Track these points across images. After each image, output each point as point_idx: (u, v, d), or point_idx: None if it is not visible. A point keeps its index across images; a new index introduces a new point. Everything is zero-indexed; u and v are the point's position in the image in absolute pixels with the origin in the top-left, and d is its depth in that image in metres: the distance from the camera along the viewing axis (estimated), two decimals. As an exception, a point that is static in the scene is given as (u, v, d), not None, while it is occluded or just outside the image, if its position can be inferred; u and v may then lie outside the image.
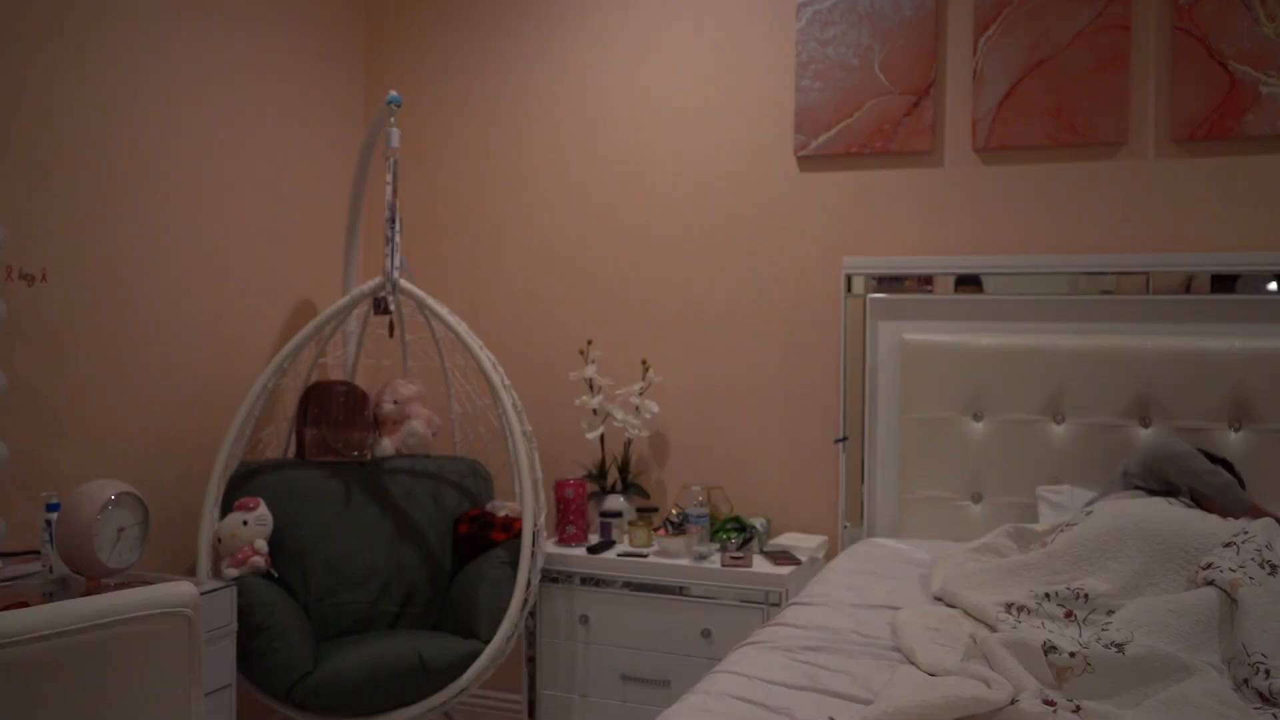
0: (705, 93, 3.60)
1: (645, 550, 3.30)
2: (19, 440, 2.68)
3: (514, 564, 3.09)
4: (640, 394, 3.53)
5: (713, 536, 3.33)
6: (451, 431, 3.73)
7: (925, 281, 3.28)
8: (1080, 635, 2.06)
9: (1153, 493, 2.62)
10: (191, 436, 3.23)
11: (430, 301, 3.27)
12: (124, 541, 2.49)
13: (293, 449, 3.43)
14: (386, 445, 3.42)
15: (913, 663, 1.99)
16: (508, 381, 3.25)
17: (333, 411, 3.31)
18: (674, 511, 3.38)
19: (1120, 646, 1.87)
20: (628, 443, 3.58)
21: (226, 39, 3.36)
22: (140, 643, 1.82)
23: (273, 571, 3.00)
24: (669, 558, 3.23)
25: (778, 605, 3.02)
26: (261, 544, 2.98)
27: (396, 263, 3.18)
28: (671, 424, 3.66)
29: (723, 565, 3.13)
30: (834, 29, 3.41)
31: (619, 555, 3.27)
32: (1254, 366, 2.89)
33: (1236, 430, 2.92)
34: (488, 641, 2.96)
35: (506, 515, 3.29)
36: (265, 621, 2.79)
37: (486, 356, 3.22)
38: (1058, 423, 3.08)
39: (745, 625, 3.01)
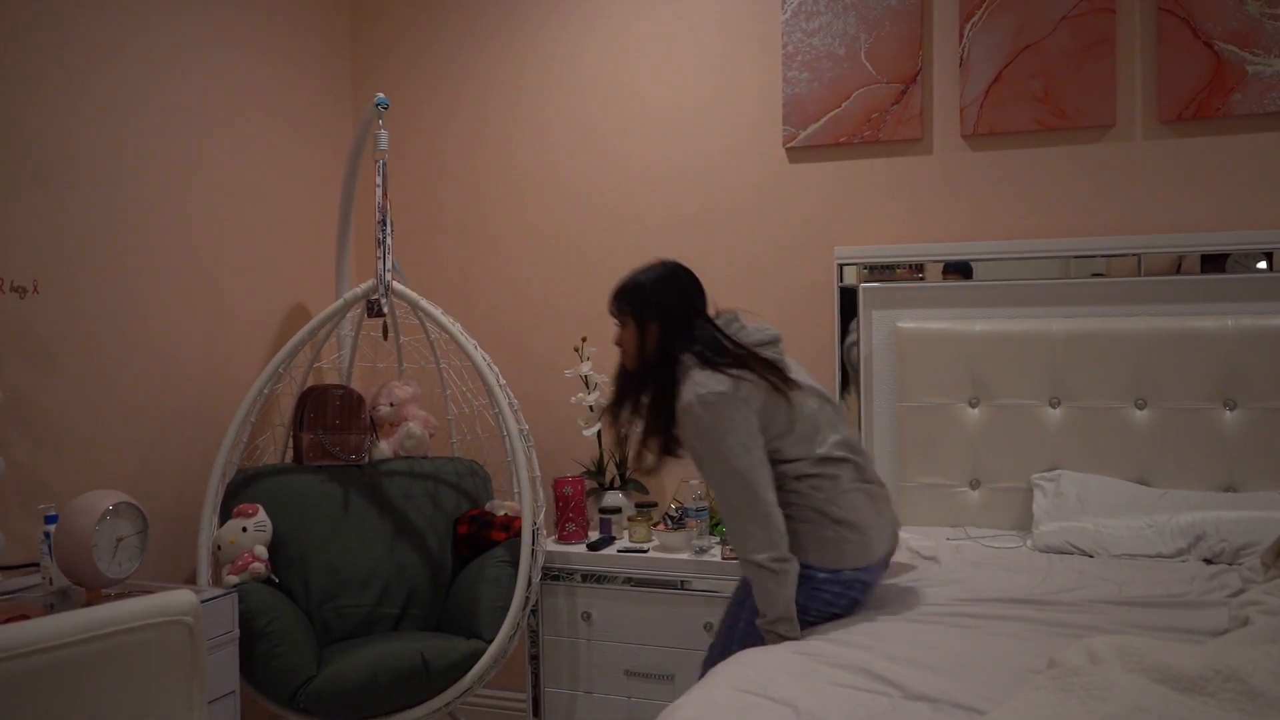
0: (693, 86, 3.60)
1: (645, 546, 3.30)
2: (15, 453, 2.68)
3: (514, 563, 3.09)
4: (636, 390, 3.52)
5: (712, 530, 3.33)
6: (449, 432, 3.73)
7: (917, 269, 3.28)
8: None
9: None
10: (188, 444, 3.23)
11: (424, 303, 3.26)
12: (123, 551, 2.48)
13: (290, 454, 3.42)
14: (384, 448, 3.41)
15: None
16: (503, 381, 3.25)
17: (329, 416, 3.31)
18: (673, 506, 3.38)
19: None
20: (625, 438, 3.58)
21: (213, 47, 3.35)
22: (142, 652, 1.82)
23: (273, 577, 3.00)
24: (669, 553, 3.23)
25: (779, 597, 3.02)
26: (261, 550, 2.98)
27: (388, 265, 3.17)
28: (668, 419, 3.65)
29: (723, 558, 3.14)
30: (820, 19, 3.41)
31: (619, 551, 3.27)
32: (1247, 345, 2.89)
33: (1231, 410, 2.92)
34: (490, 641, 2.96)
35: (506, 514, 3.29)
36: (267, 627, 2.79)
37: (481, 356, 3.21)
38: (1053, 407, 3.08)
39: (747, 617, 3.01)
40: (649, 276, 2.55)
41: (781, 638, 2.27)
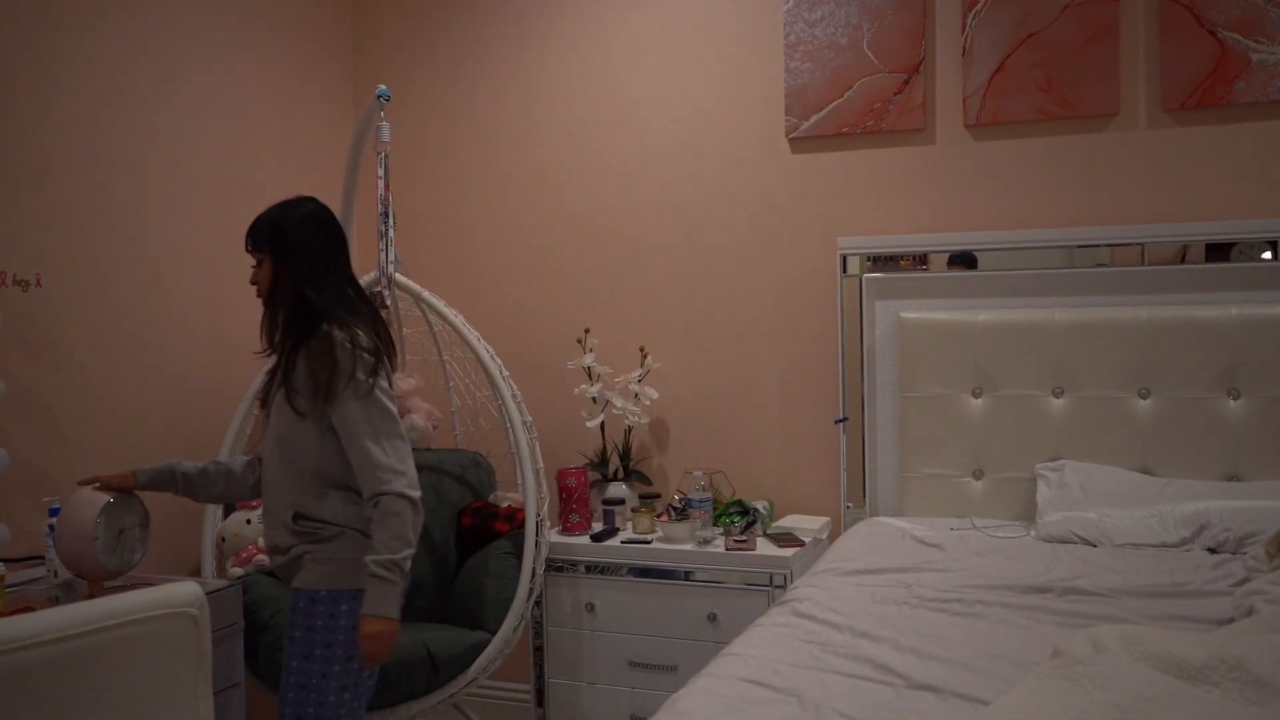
0: (696, 77, 3.59)
1: (649, 536, 3.30)
2: (19, 445, 2.68)
3: (518, 554, 3.10)
4: (639, 381, 3.53)
5: (716, 521, 3.33)
6: (452, 424, 3.73)
7: (920, 260, 3.28)
8: None
9: None
10: (191, 436, 3.23)
11: (426, 295, 3.26)
12: (125, 543, 2.48)
13: (293, 446, 3.42)
14: (387, 440, 3.41)
15: None
16: (506, 372, 3.24)
17: (332, 408, 3.30)
18: (676, 497, 3.39)
19: None
20: (628, 430, 3.58)
21: (214, 42, 3.35)
22: (147, 644, 1.82)
23: (277, 569, 3.00)
24: (673, 543, 3.23)
25: (783, 587, 3.02)
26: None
27: (391, 257, 3.17)
28: (671, 410, 3.66)
29: (727, 549, 3.14)
30: (822, 9, 3.39)
31: (623, 542, 3.27)
32: (1251, 334, 2.89)
33: (1235, 399, 2.92)
34: (494, 632, 2.97)
35: (509, 506, 3.29)
36: (272, 619, 2.79)
37: (484, 348, 3.21)
38: (1057, 397, 3.08)
39: (751, 608, 3.02)
40: (294, 214, 2.37)
41: (400, 576, 2.22)
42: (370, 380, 2.26)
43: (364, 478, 2.24)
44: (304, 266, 2.33)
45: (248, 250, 2.37)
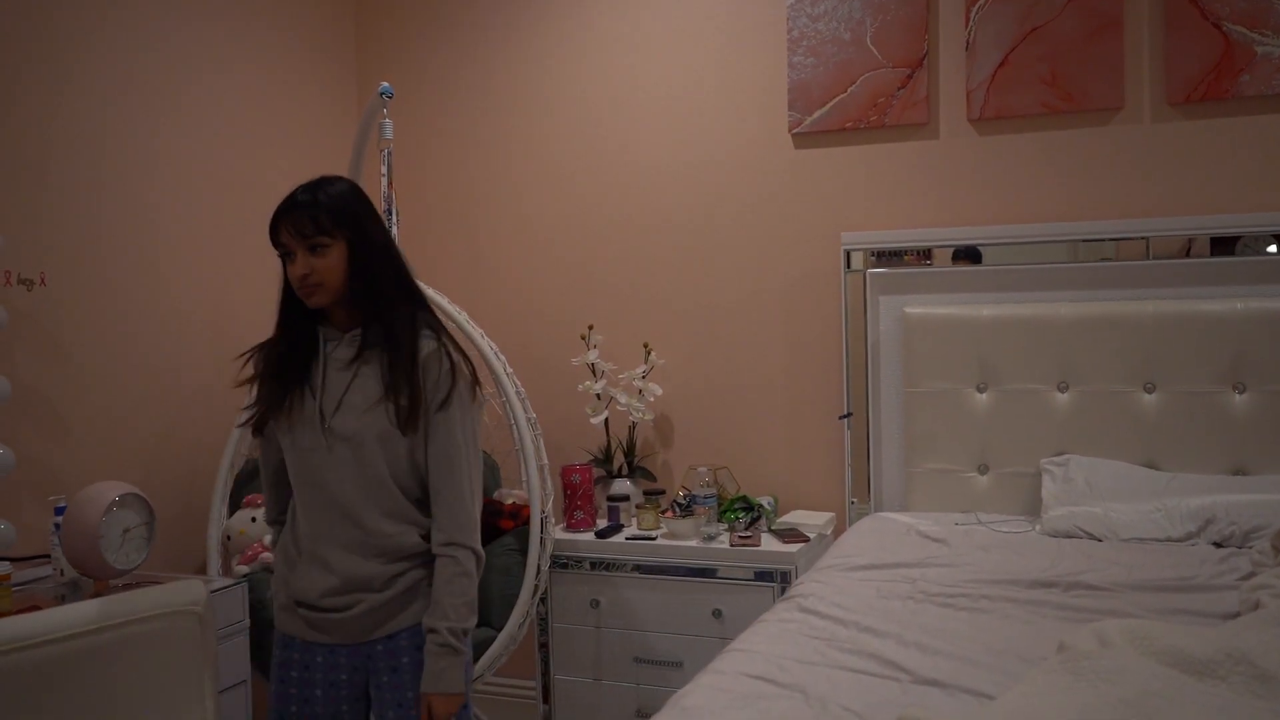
0: (698, 73, 3.59)
1: (653, 533, 3.30)
2: (25, 444, 2.68)
3: (523, 551, 3.10)
4: (643, 377, 3.53)
5: (720, 517, 3.33)
6: (456, 421, 3.72)
7: (924, 255, 3.27)
8: None
9: None
10: (196, 435, 3.23)
11: (430, 292, 3.25)
12: (130, 542, 2.49)
13: (298, 444, 3.42)
14: (391, 437, 3.41)
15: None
16: (510, 369, 3.24)
17: (336, 405, 3.31)
18: (681, 493, 3.39)
19: None
20: (632, 426, 3.58)
21: (216, 38, 3.35)
22: (153, 642, 1.83)
23: (283, 567, 3.00)
24: (678, 539, 3.23)
25: (788, 583, 3.02)
26: (270, 540, 2.99)
27: (394, 254, 3.17)
28: (675, 406, 3.66)
29: (731, 545, 3.14)
30: (825, 3, 3.39)
31: (628, 539, 3.27)
32: (1256, 328, 2.88)
33: (1240, 393, 2.91)
34: (500, 629, 2.97)
35: (514, 503, 3.30)
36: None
37: (489, 345, 3.21)
38: (1062, 391, 3.07)
39: (756, 604, 3.01)
40: (352, 186, 1.99)
41: (467, 646, 1.97)
42: (476, 403, 2.02)
43: (446, 513, 1.97)
44: (391, 247, 2.00)
45: (306, 235, 1.92)
